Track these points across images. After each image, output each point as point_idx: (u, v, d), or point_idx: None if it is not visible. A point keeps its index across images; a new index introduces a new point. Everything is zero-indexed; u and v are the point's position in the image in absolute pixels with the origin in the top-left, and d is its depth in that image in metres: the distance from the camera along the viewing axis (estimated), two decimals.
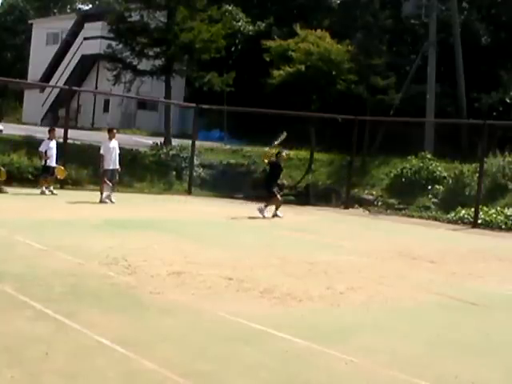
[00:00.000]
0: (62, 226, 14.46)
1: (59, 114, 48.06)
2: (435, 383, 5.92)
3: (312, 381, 5.72)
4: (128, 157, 27.52)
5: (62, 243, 11.55)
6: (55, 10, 74.98)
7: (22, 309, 7.19)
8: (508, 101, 32.09)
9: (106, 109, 50.56)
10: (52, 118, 49.36)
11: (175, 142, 31.55)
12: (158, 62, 32.61)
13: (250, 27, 45.77)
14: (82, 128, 41.91)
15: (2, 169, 21.04)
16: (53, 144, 22.16)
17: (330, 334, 7.27)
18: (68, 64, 53.39)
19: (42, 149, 22.00)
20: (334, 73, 31.37)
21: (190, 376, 5.54)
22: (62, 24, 55.03)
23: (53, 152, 22.02)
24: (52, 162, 21.97)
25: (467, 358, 6.86)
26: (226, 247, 13.20)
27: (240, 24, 44.67)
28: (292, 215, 21.95)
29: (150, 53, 32.09)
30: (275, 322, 7.47)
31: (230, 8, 42.83)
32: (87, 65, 52.52)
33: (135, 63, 32.21)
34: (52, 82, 51.94)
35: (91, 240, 12.32)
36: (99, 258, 10.41)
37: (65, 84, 47.24)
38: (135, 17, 31.97)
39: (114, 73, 32.17)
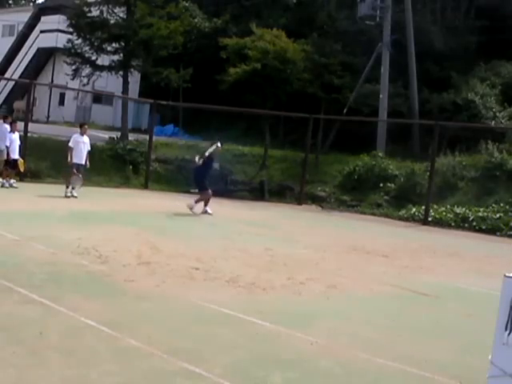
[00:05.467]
0: (29, 217, 14.76)
1: (14, 106, 47.95)
2: (394, 361, 6.54)
3: (283, 358, 6.31)
4: None
5: (33, 234, 11.93)
6: (10, 2, 74.48)
7: (8, 293, 7.64)
8: (459, 102, 32.79)
9: (61, 102, 50.53)
10: (7, 111, 49.21)
11: (131, 136, 31.76)
12: (116, 58, 32.78)
13: (206, 23, 45.98)
14: (37, 121, 41.89)
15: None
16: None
17: (295, 319, 7.87)
18: (24, 56, 53.13)
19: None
20: (289, 71, 31.91)
21: (174, 352, 6.09)
22: (18, 16, 54.74)
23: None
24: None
25: (420, 340, 7.53)
26: (187, 239, 13.75)
27: (196, 20, 44.85)
28: (247, 210, 22.46)
29: (109, 48, 32.25)
30: (243, 307, 8.05)
31: (187, 4, 43.03)
32: (43, 58, 52.33)
33: (94, 58, 32.38)
34: (7, 75, 51.69)
35: (60, 231, 12.70)
36: (71, 248, 10.86)
37: (20, 77, 47.15)
38: (95, 12, 32.11)
39: (73, 67, 32.31)
